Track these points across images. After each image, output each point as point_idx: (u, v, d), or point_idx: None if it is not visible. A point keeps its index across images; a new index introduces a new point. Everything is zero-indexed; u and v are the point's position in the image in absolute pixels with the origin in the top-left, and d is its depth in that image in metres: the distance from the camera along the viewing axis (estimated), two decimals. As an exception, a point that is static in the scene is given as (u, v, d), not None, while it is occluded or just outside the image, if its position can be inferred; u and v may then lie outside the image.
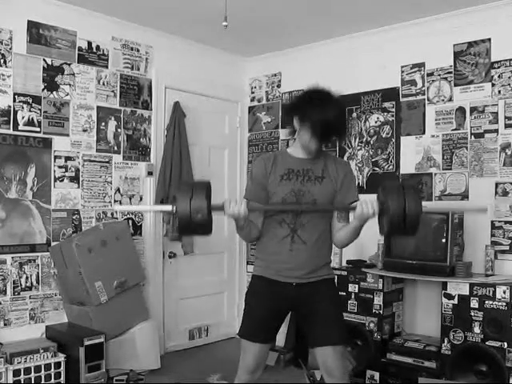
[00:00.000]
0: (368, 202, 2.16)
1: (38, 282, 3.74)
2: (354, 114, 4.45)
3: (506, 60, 3.68)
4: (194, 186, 2.12)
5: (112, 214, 4.15)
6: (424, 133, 4.06)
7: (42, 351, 3.36)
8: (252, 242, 2.53)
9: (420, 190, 2.05)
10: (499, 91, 3.71)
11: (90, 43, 4.03)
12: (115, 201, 4.17)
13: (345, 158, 4.47)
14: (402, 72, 4.19)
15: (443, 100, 3.97)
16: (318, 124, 2.24)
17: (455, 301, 3.38)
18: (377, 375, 3.69)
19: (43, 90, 3.77)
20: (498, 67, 3.72)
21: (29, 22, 3.69)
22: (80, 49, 3.97)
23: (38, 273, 3.74)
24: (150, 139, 4.41)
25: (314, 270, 2.39)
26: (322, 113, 2.24)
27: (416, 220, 2.06)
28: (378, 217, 2.18)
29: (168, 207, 2.14)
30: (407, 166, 4.14)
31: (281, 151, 2.50)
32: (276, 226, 2.37)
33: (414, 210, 2.04)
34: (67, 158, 3.90)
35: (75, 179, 3.94)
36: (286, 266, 2.37)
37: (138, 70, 4.34)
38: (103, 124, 4.11)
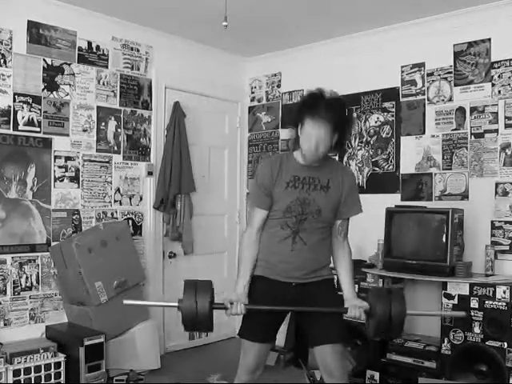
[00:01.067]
0: (357, 310, 2.27)
1: (38, 282, 3.74)
2: (354, 114, 4.44)
3: (506, 60, 3.68)
4: (199, 287, 2.27)
5: (112, 213, 4.15)
6: (424, 133, 4.06)
7: (41, 351, 3.36)
8: None
9: (404, 299, 2.28)
10: (499, 91, 3.71)
11: (89, 43, 4.03)
12: (115, 201, 4.17)
13: (345, 158, 4.47)
14: (402, 72, 4.19)
15: (443, 100, 3.97)
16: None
17: (455, 301, 3.38)
18: (377, 375, 3.69)
19: (43, 90, 3.77)
20: (498, 67, 3.71)
21: (29, 21, 3.69)
22: (80, 49, 3.97)
23: (38, 273, 3.74)
24: (149, 139, 4.41)
25: (314, 270, 2.40)
26: (316, 118, 2.23)
27: (400, 325, 2.24)
28: (366, 319, 2.32)
29: (174, 304, 2.29)
30: (407, 166, 4.14)
31: (287, 154, 2.46)
32: (278, 227, 2.39)
33: (398, 316, 2.21)
34: (67, 158, 3.90)
35: (75, 179, 3.94)
36: (286, 266, 2.38)
37: (138, 69, 4.34)
38: (103, 124, 4.11)
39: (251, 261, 2.43)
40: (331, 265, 2.53)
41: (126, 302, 2.39)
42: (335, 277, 2.53)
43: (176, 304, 2.25)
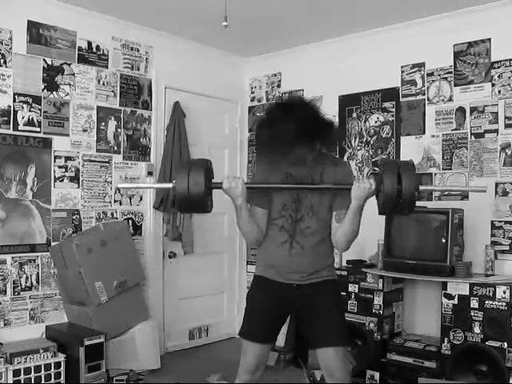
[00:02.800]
0: (365, 179, 2.17)
1: (38, 282, 3.74)
2: (354, 114, 4.45)
3: (506, 60, 3.68)
4: (192, 163, 2.16)
5: (112, 213, 4.15)
6: (424, 133, 4.06)
7: (41, 351, 3.36)
8: (256, 244, 2.48)
9: (415, 170, 2.08)
10: (499, 91, 3.71)
11: (89, 43, 4.03)
12: (115, 201, 4.17)
13: (345, 158, 4.47)
14: (402, 72, 4.19)
15: (443, 100, 3.97)
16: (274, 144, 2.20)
17: (455, 301, 3.38)
18: (377, 375, 3.69)
19: (43, 90, 3.77)
20: (498, 67, 3.72)
21: (29, 21, 3.69)
22: (80, 49, 3.97)
23: (38, 273, 3.74)
24: (150, 139, 4.41)
25: (314, 272, 2.39)
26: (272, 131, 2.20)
27: (411, 196, 2.06)
28: (376, 195, 2.18)
29: (168, 185, 2.20)
30: (407, 166, 4.13)
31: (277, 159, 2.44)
32: (276, 230, 2.38)
33: (408, 185, 2.05)
34: (67, 158, 3.90)
35: (75, 179, 3.94)
36: (285, 270, 2.38)
37: (138, 69, 4.34)
38: (103, 124, 4.11)
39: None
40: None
41: (120, 185, 2.31)
42: (337, 277, 2.52)
43: (171, 185, 2.16)
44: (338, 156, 4.45)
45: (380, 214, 2.22)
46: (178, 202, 2.14)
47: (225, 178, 2.21)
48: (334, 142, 2.48)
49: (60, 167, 3.86)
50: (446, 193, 3.92)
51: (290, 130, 2.15)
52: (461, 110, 3.88)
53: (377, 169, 4.31)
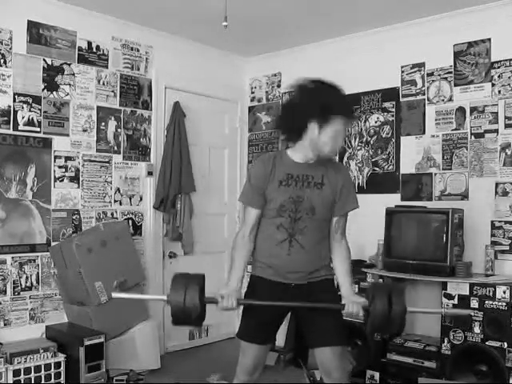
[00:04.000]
0: (355, 306, 2.22)
1: (38, 282, 3.74)
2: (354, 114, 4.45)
3: (506, 60, 3.68)
4: (188, 279, 2.23)
5: (112, 213, 4.15)
6: (424, 133, 4.06)
7: (41, 351, 3.36)
8: None
9: (404, 295, 2.23)
10: (499, 91, 3.71)
11: (89, 43, 4.03)
12: (115, 201, 4.17)
13: (345, 158, 4.47)
14: (402, 72, 4.19)
15: (443, 100, 3.97)
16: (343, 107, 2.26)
17: (455, 301, 3.38)
18: (377, 375, 3.69)
19: (43, 90, 3.77)
20: (498, 67, 3.71)
21: (29, 21, 3.69)
22: (80, 49, 3.97)
23: (38, 273, 3.74)
24: (149, 139, 4.41)
25: (313, 271, 2.39)
26: (346, 115, 2.27)
27: (400, 322, 2.16)
28: (365, 316, 2.26)
29: (162, 297, 2.24)
30: (407, 166, 4.14)
31: (280, 152, 2.43)
32: (274, 229, 2.36)
33: (398, 313, 2.13)
34: (67, 158, 3.90)
35: (75, 179, 3.94)
36: (284, 269, 2.37)
37: (138, 69, 4.34)
38: (103, 124, 4.11)
39: (245, 259, 2.41)
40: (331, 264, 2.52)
41: (114, 295, 2.37)
42: (334, 277, 2.51)
43: (165, 297, 2.20)
44: (337, 157, 4.47)
45: (366, 332, 2.33)
46: (173, 315, 2.19)
47: (218, 298, 2.29)
48: None
49: (60, 167, 3.86)
50: (446, 193, 3.92)
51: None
52: (461, 109, 3.88)
53: (377, 169, 4.31)
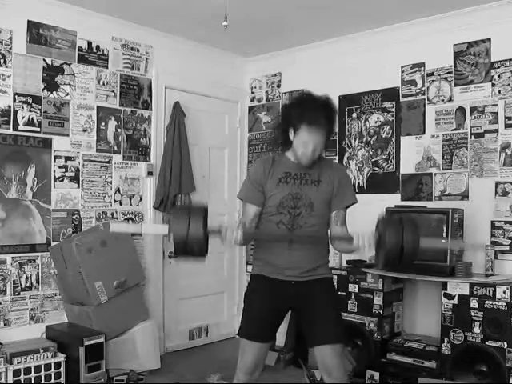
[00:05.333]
0: (365, 236, 2.18)
1: (38, 282, 3.74)
2: (354, 114, 4.45)
3: (506, 60, 3.68)
4: (191, 210, 2.15)
5: (112, 213, 4.15)
6: (424, 133, 4.06)
7: (42, 351, 3.36)
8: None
9: (417, 226, 2.10)
10: (499, 91, 3.71)
11: (89, 43, 4.03)
12: (115, 201, 4.17)
13: (345, 158, 4.47)
14: (402, 72, 4.19)
15: (443, 100, 3.97)
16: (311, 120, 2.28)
17: (455, 301, 3.38)
18: (377, 375, 3.69)
19: (43, 90, 3.77)
20: (498, 67, 3.72)
21: (29, 21, 3.69)
22: (80, 49, 3.97)
23: (38, 273, 3.74)
24: (149, 139, 4.41)
25: (312, 269, 2.41)
26: (315, 125, 2.28)
27: (412, 256, 2.08)
28: (375, 249, 2.20)
29: (164, 230, 2.18)
30: (407, 166, 4.14)
31: (279, 154, 2.52)
32: (273, 226, 2.39)
33: (411, 246, 2.05)
34: (67, 158, 3.90)
35: (75, 179, 3.94)
36: (284, 266, 2.39)
37: (138, 69, 4.34)
38: (103, 124, 4.11)
39: (252, 228, 2.39)
40: (331, 264, 2.53)
41: (112, 226, 2.29)
42: (336, 276, 2.53)
43: (166, 230, 2.15)
44: (337, 157, 4.47)
45: (378, 268, 2.25)
46: (175, 247, 2.11)
47: (223, 229, 2.19)
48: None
49: (60, 167, 3.86)
50: (446, 193, 3.92)
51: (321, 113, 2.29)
52: (461, 109, 3.88)
53: (377, 169, 4.31)
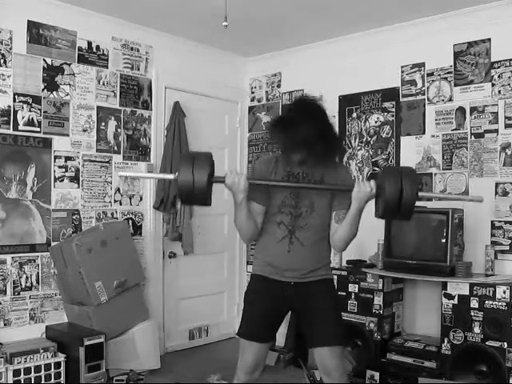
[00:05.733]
0: (366, 182, 2.21)
1: (38, 282, 3.74)
2: (354, 114, 4.45)
3: (506, 60, 3.68)
4: (196, 156, 2.19)
5: (112, 213, 4.15)
6: (424, 133, 4.06)
7: (42, 351, 3.36)
8: (249, 241, 2.54)
9: (417, 177, 2.12)
10: (499, 91, 3.71)
11: (89, 43, 4.03)
12: (115, 201, 4.17)
13: (345, 158, 4.47)
14: (402, 72, 4.19)
15: (443, 100, 3.97)
16: (288, 145, 2.33)
17: (455, 301, 3.38)
18: (377, 375, 3.69)
19: (43, 90, 3.77)
20: (498, 67, 3.72)
21: (29, 21, 3.69)
22: (80, 49, 3.97)
23: (38, 273, 3.74)
24: (150, 139, 4.41)
25: (312, 270, 2.40)
26: (291, 134, 2.28)
27: (411, 204, 2.11)
28: (375, 199, 2.21)
29: (170, 176, 2.21)
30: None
31: (281, 154, 2.49)
32: (274, 226, 2.39)
33: (409, 194, 2.08)
34: (67, 158, 3.90)
35: (75, 179, 3.94)
36: (284, 267, 2.38)
37: (138, 69, 4.34)
38: (103, 124, 4.11)
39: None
40: (331, 264, 2.52)
41: (121, 173, 2.33)
42: (336, 276, 2.52)
43: (172, 176, 2.17)
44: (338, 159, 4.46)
45: (377, 217, 2.24)
46: (181, 194, 2.16)
47: (228, 173, 2.25)
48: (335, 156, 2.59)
49: (60, 167, 3.86)
50: (446, 193, 3.92)
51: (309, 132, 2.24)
52: (461, 109, 3.88)
53: (377, 169, 4.31)
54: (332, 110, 4.33)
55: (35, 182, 3.72)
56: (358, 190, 2.20)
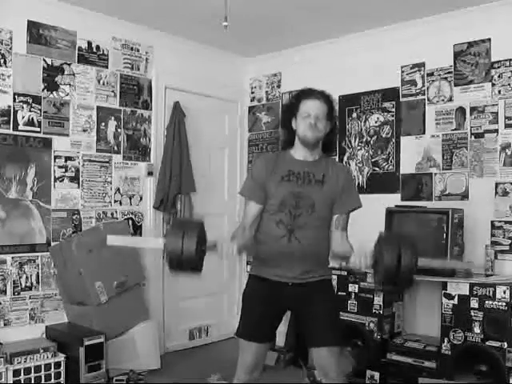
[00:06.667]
0: (362, 257, 2.15)
1: (38, 282, 3.74)
2: (354, 114, 4.45)
3: (506, 60, 3.68)
4: (186, 225, 2.16)
5: (112, 213, 4.15)
6: (424, 133, 4.06)
7: (42, 351, 3.36)
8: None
9: (415, 245, 2.09)
10: (499, 91, 3.71)
11: (89, 43, 4.03)
12: (115, 201, 4.17)
13: (345, 158, 4.47)
14: (402, 72, 4.19)
15: (443, 100, 3.97)
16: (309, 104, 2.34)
17: (455, 301, 3.38)
18: (377, 375, 3.69)
19: (43, 90, 3.77)
20: (498, 67, 3.71)
21: (29, 22, 3.69)
22: (80, 49, 3.97)
23: (37, 273, 3.74)
24: (149, 139, 4.41)
25: (310, 270, 2.38)
26: (312, 96, 2.35)
27: (410, 274, 2.06)
28: (373, 267, 2.17)
29: (159, 244, 2.15)
30: (407, 166, 4.14)
31: (282, 152, 2.50)
32: (273, 225, 2.37)
33: (408, 264, 2.03)
34: (67, 158, 3.90)
35: (75, 179, 3.94)
36: (282, 267, 2.36)
37: (138, 69, 4.34)
38: (103, 124, 4.11)
39: (248, 240, 2.38)
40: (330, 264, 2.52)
41: (109, 238, 2.25)
42: (335, 276, 2.51)
43: (161, 244, 2.11)
44: (337, 157, 4.47)
45: (376, 284, 2.22)
46: (169, 261, 2.10)
47: (219, 244, 2.26)
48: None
49: (60, 167, 3.86)
50: (446, 193, 3.92)
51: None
52: (461, 110, 3.88)
53: (377, 169, 4.31)
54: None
55: (35, 182, 3.72)
56: (353, 261, 2.18)
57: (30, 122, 3.70)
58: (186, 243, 2.05)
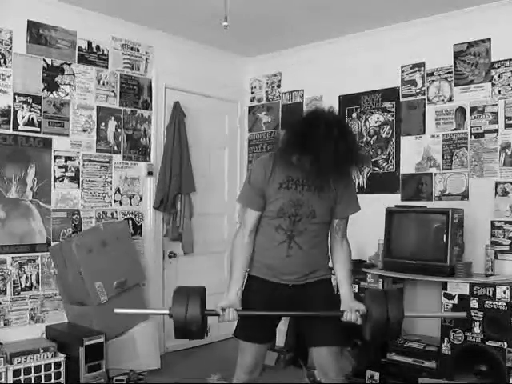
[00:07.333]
0: (353, 314, 2.22)
1: (38, 282, 3.74)
2: (354, 114, 4.45)
3: (506, 60, 3.68)
4: (189, 292, 2.24)
5: (112, 213, 4.15)
6: (424, 133, 4.06)
7: (42, 351, 3.36)
8: None
9: (400, 296, 2.21)
10: (499, 91, 3.71)
11: (89, 43, 4.03)
12: (115, 201, 4.17)
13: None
14: (402, 72, 4.19)
15: (443, 100, 3.97)
16: (326, 160, 2.08)
17: (455, 301, 3.38)
18: (377, 375, 3.69)
19: (43, 90, 3.77)
20: (498, 67, 3.72)
21: (29, 22, 3.69)
22: (80, 49, 3.97)
23: (37, 273, 3.74)
24: (149, 139, 4.41)
25: (310, 272, 2.38)
26: (330, 147, 2.07)
27: (397, 328, 2.19)
28: (363, 322, 2.26)
29: (164, 311, 2.27)
30: (407, 166, 4.14)
31: (279, 154, 2.34)
32: (272, 230, 2.34)
33: (395, 319, 2.16)
34: (67, 158, 3.90)
35: (75, 179, 3.94)
36: (282, 270, 2.35)
37: (138, 69, 4.34)
38: (103, 124, 4.11)
39: (244, 265, 2.38)
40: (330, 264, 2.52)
41: (116, 310, 2.35)
42: (333, 277, 2.50)
43: (167, 311, 2.22)
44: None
45: (366, 339, 2.30)
46: (175, 329, 2.22)
47: (220, 310, 2.26)
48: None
49: (60, 167, 3.86)
50: (446, 193, 3.92)
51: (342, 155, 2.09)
52: (461, 110, 3.88)
53: (377, 169, 4.31)
54: (332, 110, 4.35)
55: (35, 182, 3.72)
56: (344, 318, 2.24)
57: (30, 122, 3.70)
58: (191, 311, 2.18)
